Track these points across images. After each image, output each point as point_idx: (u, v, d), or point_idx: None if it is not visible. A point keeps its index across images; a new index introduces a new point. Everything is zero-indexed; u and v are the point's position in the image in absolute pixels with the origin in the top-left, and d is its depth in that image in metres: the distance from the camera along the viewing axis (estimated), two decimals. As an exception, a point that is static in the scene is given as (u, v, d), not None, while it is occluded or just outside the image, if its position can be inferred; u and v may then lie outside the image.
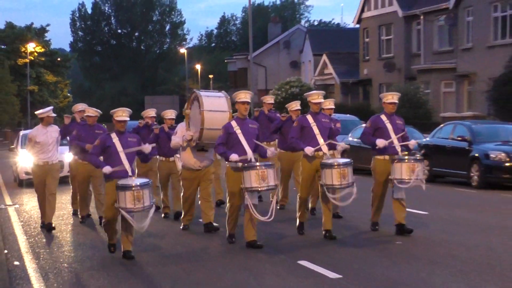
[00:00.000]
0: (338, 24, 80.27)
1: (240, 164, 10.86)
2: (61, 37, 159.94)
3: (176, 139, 12.99)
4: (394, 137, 11.86)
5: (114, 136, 10.32)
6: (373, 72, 48.37)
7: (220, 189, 16.03)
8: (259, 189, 10.94)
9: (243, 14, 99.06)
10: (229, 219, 11.60)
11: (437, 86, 41.18)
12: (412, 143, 12.30)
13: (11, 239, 13.78)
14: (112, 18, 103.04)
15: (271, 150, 11.77)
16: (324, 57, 55.15)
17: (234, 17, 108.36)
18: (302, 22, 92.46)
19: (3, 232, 14.53)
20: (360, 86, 48.19)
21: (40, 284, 9.83)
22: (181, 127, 13.26)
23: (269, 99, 15.71)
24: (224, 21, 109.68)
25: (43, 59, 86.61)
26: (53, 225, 13.64)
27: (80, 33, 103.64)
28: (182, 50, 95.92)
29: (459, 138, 21.95)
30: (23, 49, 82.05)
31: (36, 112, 13.77)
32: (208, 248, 11.72)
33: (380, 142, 11.72)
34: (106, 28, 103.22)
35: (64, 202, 18.09)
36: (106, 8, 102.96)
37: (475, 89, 38.89)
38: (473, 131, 21.89)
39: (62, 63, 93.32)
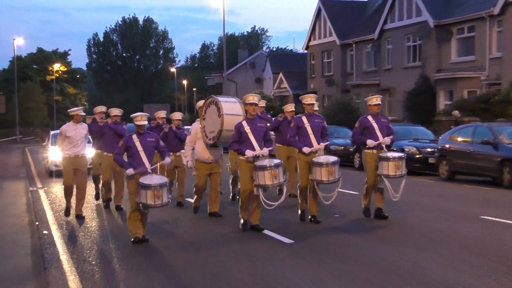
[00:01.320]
0: (291, 49, 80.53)
1: (252, 159, 10.19)
2: (79, 59, 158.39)
3: (188, 145, 12.48)
4: (380, 136, 11.17)
5: (135, 138, 9.67)
6: (317, 86, 48.22)
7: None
8: (271, 186, 10.41)
9: (219, 42, 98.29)
10: (242, 206, 10.64)
11: (365, 97, 40.57)
12: (386, 141, 11.38)
13: (41, 214, 13.67)
14: (119, 44, 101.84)
15: (265, 150, 10.42)
16: (281, 75, 55.35)
17: (212, 44, 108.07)
18: (264, 48, 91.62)
19: (34, 207, 14.34)
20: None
21: (63, 247, 9.88)
22: (194, 127, 12.43)
23: (261, 103, 14.27)
24: (204, 47, 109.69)
25: (65, 76, 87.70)
26: (83, 215, 12.54)
27: (94, 56, 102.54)
28: (172, 69, 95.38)
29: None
30: (50, 68, 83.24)
31: (68, 110, 12.98)
32: (221, 234, 10.65)
33: (371, 143, 11.12)
34: (114, 52, 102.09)
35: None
36: (114, 37, 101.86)
37: (394, 100, 39.29)
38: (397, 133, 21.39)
39: (80, 79, 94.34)
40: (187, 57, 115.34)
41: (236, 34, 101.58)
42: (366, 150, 11.46)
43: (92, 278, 8.06)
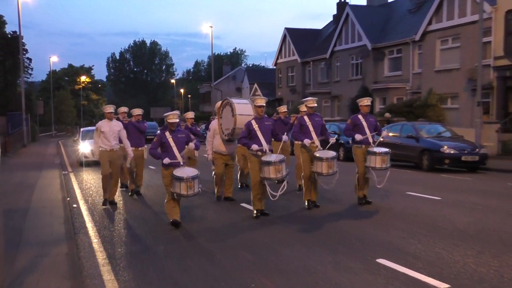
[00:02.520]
0: (264, 65, 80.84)
1: (259, 153, 9.23)
2: (101, 72, 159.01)
3: (209, 141, 11.70)
4: (368, 132, 10.30)
5: (167, 134, 8.78)
6: (283, 94, 48.29)
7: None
8: (276, 179, 9.31)
9: (208, 59, 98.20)
10: (254, 196, 9.49)
11: (320, 103, 40.97)
12: (383, 134, 10.83)
13: (71, 191, 13.59)
14: (131, 61, 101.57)
15: (285, 137, 9.95)
16: (255, 85, 55.01)
17: (202, 61, 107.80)
18: (242, 64, 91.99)
19: (66, 187, 14.21)
20: (276, 102, 48.54)
21: (89, 218, 10.00)
22: (213, 125, 11.69)
23: (283, 108, 13.57)
24: (197, 64, 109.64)
25: (90, 85, 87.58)
26: (115, 201, 11.48)
27: (112, 70, 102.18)
28: (172, 81, 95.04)
29: (332, 132, 21.33)
30: (78, 80, 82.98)
31: (103, 107, 12.03)
32: (242, 219, 9.48)
33: (357, 136, 10.27)
34: (127, 68, 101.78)
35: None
36: (127, 56, 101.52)
37: (341, 104, 39.15)
38: (340, 128, 21.42)
39: (101, 88, 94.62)
40: (184, 71, 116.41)
41: (221, 54, 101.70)
42: (355, 145, 10.57)
43: (112, 240, 8.18)
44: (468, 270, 6.22)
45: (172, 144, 8.76)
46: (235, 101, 10.77)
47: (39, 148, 35.45)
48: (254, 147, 9.13)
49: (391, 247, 7.36)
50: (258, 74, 62.21)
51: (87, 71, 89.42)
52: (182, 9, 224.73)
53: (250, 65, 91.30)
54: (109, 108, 11.31)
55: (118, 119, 12.92)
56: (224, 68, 73.44)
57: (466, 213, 9.74)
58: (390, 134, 18.64)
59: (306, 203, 10.39)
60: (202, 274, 6.33)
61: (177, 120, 8.94)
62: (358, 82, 36.67)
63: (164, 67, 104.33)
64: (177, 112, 9.07)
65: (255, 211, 9.56)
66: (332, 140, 10.23)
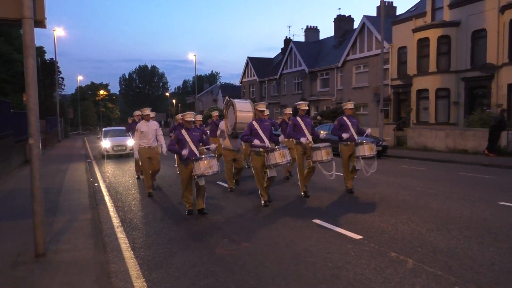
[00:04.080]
0: (233, 83, 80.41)
1: (261, 150, 7.83)
2: (115, 88, 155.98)
3: (218, 134, 10.67)
4: (352, 130, 8.99)
5: (183, 132, 7.45)
6: (247, 104, 48.29)
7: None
8: (282, 163, 7.68)
9: (193, 78, 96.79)
10: (260, 189, 8.06)
11: (272, 110, 40.88)
12: (368, 131, 9.09)
13: (93, 174, 13.21)
14: (137, 80, 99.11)
15: (282, 137, 8.32)
16: (227, 97, 54.35)
17: (189, 80, 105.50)
18: (218, 82, 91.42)
19: (90, 170, 13.87)
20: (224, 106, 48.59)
21: (107, 193, 9.78)
22: (222, 125, 10.44)
23: (288, 110, 11.46)
24: (185, 82, 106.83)
25: (107, 97, 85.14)
26: (151, 192, 9.42)
27: (123, 86, 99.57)
28: (167, 94, 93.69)
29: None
30: (98, 93, 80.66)
31: (141, 110, 10.04)
32: (255, 207, 7.70)
33: (345, 135, 8.90)
34: (134, 84, 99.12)
35: (130, 170, 13.84)
36: (134, 76, 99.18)
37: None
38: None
39: (115, 99, 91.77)
40: (175, 87, 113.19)
41: (202, 75, 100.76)
42: (342, 143, 9.12)
43: (123, 209, 8.02)
44: (374, 226, 6.32)
45: (189, 140, 7.43)
46: (236, 100, 9.41)
47: (70, 142, 34.70)
48: (256, 142, 7.78)
49: (323, 211, 7.43)
50: (229, 89, 61.51)
51: (105, 86, 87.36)
52: (174, 42, 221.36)
53: (223, 83, 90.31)
54: (147, 111, 9.69)
55: (134, 121, 12.03)
56: (204, 85, 72.57)
57: (372, 186, 9.80)
58: (321, 131, 18.78)
59: (303, 194, 8.80)
60: (193, 230, 6.27)
61: (193, 119, 7.66)
62: (299, 95, 36.64)
63: (161, 84, 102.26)
64: (192, 112, 7.82)
65: (263, 201, 8.01)
66: (322, 134, 9.07)
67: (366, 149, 8.87)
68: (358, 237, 5.75)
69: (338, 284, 4.22)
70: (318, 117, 26.86)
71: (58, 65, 39.24)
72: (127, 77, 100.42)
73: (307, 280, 4.33)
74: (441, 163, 14.80)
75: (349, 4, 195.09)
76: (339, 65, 31.06)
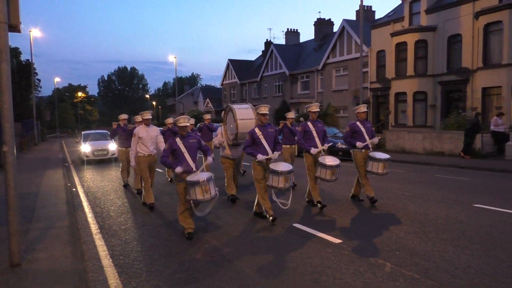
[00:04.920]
0: (214, 85, 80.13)
1: (265, 161, 6.83)
2: (93, 89, 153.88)
3: (217, 140, 9.15)
4: (367, 138, 8.00)
5: (178, 140, 6.25)
6: (228, 106, 48.00)
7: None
8: (283, 189, 6.78)
9: (173, 80, 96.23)
10: (264, 203, 6.96)
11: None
12: (375, 140, 8.08)
13: (71, 179, 12.85)
14: (116, 81, 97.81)
15: (276, 154, 6.89)
16: (208, 100, 54.39)
17: (169, 82, 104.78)
18: (198, 84, 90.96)
19: (67, 175, 13.52)
20: (223, 112, 48.39)
21: (85, 198, 9.55)
22: (219, 131, 9.09)
23: (291, 115, 10.43)
24: (165, 83, 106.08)
25: (85, 99, 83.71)
26: (154, 204, 8.29)
27: (102, 88, 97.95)
28: (147, 96, 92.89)
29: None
30: (76, 95, 79.26)
31: (141, 114, 8.67)
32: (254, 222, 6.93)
33: (359, 144, 7.92)
34: (113, 86, 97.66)
35: (110, 175, 13.82)
36: (113, 77, 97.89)
37: (269, 114, 39.22)
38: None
39: (94, 101, 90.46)
40: (155, 89, 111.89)
41: (183, 77, 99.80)
42: (356, 150, 8.16)
43: (102, 216, 7.88)
44: (353, 230, 6.39)
45: (184, 150, 6.22)
46: (235, 106, 8.37)
47: (47, 146, 33.91)
48: (260, 157, 6.77)
49: (303, 216, 7.46)
50: (210, 92, 61.35)
51: (83, 88, 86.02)
52: (154, 44, 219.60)
53: (204, 85, 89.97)
54: (148, 115, 8.45)
55: (119, 125, 11.18)
56: (185, 87, 71.86)
57: (350, 188, 9.53)
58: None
59: (307, 200, 8.23)
60: (171, 239, 6.22)
61: (188, 124, 6.40)
62: (280, 98, 36.83)
63: (141, 86, 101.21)
64: (187, 116, 6.53)
65: (270, 218, 6.89)
66: (325, 147, 7.79)
67: (380, 168, 7.95)
68: (338, 241, 5.80)
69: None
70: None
71: (34, 66, 38.51)
72: (106, 78, 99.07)
73: (288, 285, 4.34)
74: (418, 165, 15.05)
75: (329, 8, 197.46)
76: (319, 68, 31.36)
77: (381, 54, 25.47)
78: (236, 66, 46.79)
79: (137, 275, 4.75)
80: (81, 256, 5.36)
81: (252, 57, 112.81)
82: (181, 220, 6.37)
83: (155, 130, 8.53)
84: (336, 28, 33.99)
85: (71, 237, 6.14)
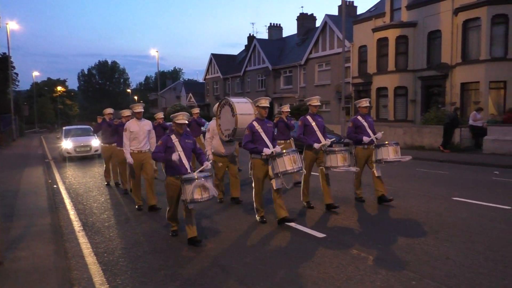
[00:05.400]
0: (196, 80, 79.49)
1: (268, 154, 6.22)
2: (73, 83, 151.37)
3: (208, 141, 8.06)
4: (370, 132, 7.55)
5: (174, 138, 5.73)
6: (210, 100, 47.15)
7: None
8: (293, 171, 6.14)
9: (155, 74, 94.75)
10: (257, 205, 6.66)
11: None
12: (378, 135, 7.55)
13: (51, 175, 12.75)
14: (96, 75, 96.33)
15: (278, 148, 6.30)
16: (190, 94, 53.91)
17: (151, 76, 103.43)
18: (181, 79, 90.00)
19: (48, 171, 13.42)
20: (205, 107, 48.46)
21: (66, 195, 9.40)
22: (212, 125, 8.01)
23: (286, 108, 9.84)
24: (147, 78, 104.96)
25: (65, 93, 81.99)
26: (157, 206, 7.72)
27: (82, 82, 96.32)
28: (128, 90, 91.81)
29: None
30: (55, 89, 77.47)
31: (131, 106, 7.97)
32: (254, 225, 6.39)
33: (366, 139, 7.43)
34: (94, 80, 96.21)
35: (96, 170, 13.69)
36: (94, 71, 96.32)
37: None
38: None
39: (74, 95, 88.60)
40: (137, 83, 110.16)
41: (165, 71, 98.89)
42: (358, 146, 7.69)
43: (84, 213, 7.80)
44: (337, 224, 6.48)
45: (179, 149, 5.69)
46: (234, 100, 7.66)
47: (25, 141, 33.30)
48: (267, 150, 6.19)
49: (287, 210, 7.49)
50: (192, 86, 60.94)
51: (62, 82, 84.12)
52: (135, 37, 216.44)
53: (186, 79, 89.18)
54: (139, 107, 7.77)
55: (104, 120, 10.63)
56: (167, 81, 71.42)
57: (334, 184, 9.67)
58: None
59: (305, 204, 7.65)
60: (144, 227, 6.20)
61: (186, 122, 5.80)
62: (263, 93, 36.81)
63: (122, 80, 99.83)
64: (185, 113, 5.87)
65: (258, 217, 6.70)
66: (328, 142, 7.19)
67: (391, 152, 7.38)
68: (322, 235, 5.88)
69: (303, 283, 4.30)
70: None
71: (11, 60, 37.54)
72: (86, 72, 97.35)
73: (273, 280, 4.39)
74: (399, 160, 15.29)
75: (311, 3, 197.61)
76: (302, 63, 31.49)
77: (363, 49, 25.71)
78: (219, 60, 46.56)
79: (122, 272, 4.74)
80: (65, 254, 5.31)
81: (235, 51, 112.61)
82: (169, 219, 6.12)
83: (147, 124, 7.88)
84: (318, 23, 34.15)
85: (53, 234, 6.06)
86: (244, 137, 6.43)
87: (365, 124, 7.65)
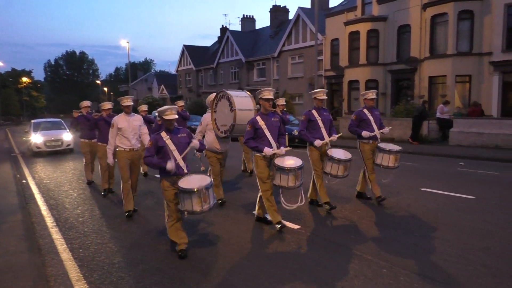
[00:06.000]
0: (168, 71, 78.21)
1: (269, 155, 5.66)
2: (39, 74, 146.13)
3: (198, 135, 7.39)
4: (375, 127, 7.08)
5: (165, 135, 5.04)
6: (183, 92, 46.86)
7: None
8: (293, 188, 5.69)
9: (126, 66, 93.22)
10: (269, 208, 5.83)
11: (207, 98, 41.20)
12: (386, 130, 7.13)
13: (20, 170, 12.43)
14: (64, 66, 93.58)
15: (283, 150, 5.73)
16: (162, 86, 53.21)
17: (121, 67, 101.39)
18: (152, 70, 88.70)
19: (16, 165, 13.15)
20: (178, 99, 47.99)
21: (37, 190, 9.26)
22: (206, 119, 7.34)
23: (281, 101, 9.41)
24: (117, 69, 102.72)
25: (30, 85, 79.16)
26: (131, 212, 6.87)
27: (49, 73, 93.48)
28: (98, 81, 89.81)
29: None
30: (20, 80, 74.57)
31: (120, 99, 6.83)
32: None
33: (365, 134, 7.03)
34: (61, 71, 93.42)
35: (66, 164, 13.40)
36: (61, 62, 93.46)
37: None
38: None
39: (40, 87, 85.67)
40: (107, 74, 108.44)
41: (136, 62, 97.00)
42: (362, 141, 7.26)
43: (57, 208, 7.65)
44: (311, 216, 6.59)
45: (172, 147, 5.03)
46: (233, 93, 6.98)
47: (-11, 134, 31.99)
48: (268, 151, 5.63)
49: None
50: (164, 78, 59.89)
51: (28, 73, 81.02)
52: (104, 27, 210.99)
53: (158, 71, 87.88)
54: (128, 100, 6.83)
55: (81, 114, 9.83)
56: (138, 73, 69.87)
57: (306, 177, 10.06)
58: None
59: (326, 206, 6.82)
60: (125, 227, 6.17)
61: (176, 117, 5.07)
62: (236, 85, 36.67)
63: (91, 71, 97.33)
64: (174, 106, 5.18)
65: (278, 225, 5.80)
66: (334, 137, 6.67)
67: (391, 160, 7.07)
68: (297, 227, 6.02)
69: (280, 274, 4.41)
70: (257, 107, 27.19)
71: (-27, 49, 36.01)
72: (53, 63, 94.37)
73: (250, 272, 4.47)
74: (370, 152, 15.66)
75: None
76: (275, 55, 31.57)
77: (335, 43, 26.03)
78: (192, 52, 46.06)
79: (99, 268, 4.72)
80: (38, 250, 5.24)
81: (208, 43, 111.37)
82: (171, 235, 5.12)
83: (137, 119, 7.00)
84: (291, 16, 34.28)
85: (25, 231, 5.96)
86: (246, 133, 5.81)
87: (371, 118, 7.14)
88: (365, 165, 7.34)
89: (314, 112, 6.75)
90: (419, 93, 21.10)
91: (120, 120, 6.84)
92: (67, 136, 16.62)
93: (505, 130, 14.86)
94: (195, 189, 4.65)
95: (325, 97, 6.76)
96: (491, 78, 18.36)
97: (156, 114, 6.40)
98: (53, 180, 10.64)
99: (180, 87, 48.70)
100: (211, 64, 41.43)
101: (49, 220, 6.77)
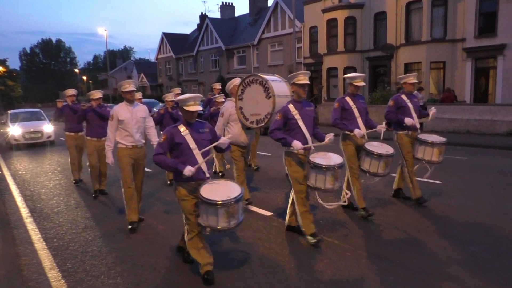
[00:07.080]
0: (148, 59, 77.18)
1: (302, 151, 4.76)
2: (15, 63, 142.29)
3: (220, 128, 6.19)
4: (414, 115, 6.11)
5: (183, 130, 3.93)
6: (163, 81, 46.42)
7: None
8: (331, 190, 4.70)
9: (104, 54, 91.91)
10: (302, 213, 4.89)
11: (190, 87, 40.37)
12: (432, 113, 6.01)
13: (-3, 163, 12.25)
14: (40, 55, 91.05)
15: (331, 136, 4.75)
16: (142, 74, 52.55)
17: (100, 55, 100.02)
18: (131, 58, 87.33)
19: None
20: (158, 87, 47.44)
21: (12, 182, 9.31)
22: (228, 109, 6.11)
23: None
24: (95, 57, 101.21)
25: (6, 74, 77.09)
26: (136, 223, 5.70)
27: (24, 61, 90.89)
28: (76, 70, 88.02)
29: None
30: (-6, 70, 72.70)
31: (120, 85, 5.53)
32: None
33: (408, 121, 6.01)
34: (37, 60, 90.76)
35: (43, 155, 13.65)
36: (37, 50, 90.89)
37: (205, 89, 37.65)
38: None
39: (16, 76, 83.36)
40: (85, 63, 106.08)
41: (115, 50, 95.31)
42: (401, 132, 6.28)
43: (32, 199, 7.67)
44: (283, 203, 6.74)
45: (193, 145, 3.94)
46: (268, 78, 5.60)
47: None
48: (297, 144, 4.63)
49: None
50: (144, 66, 59.23)
51: (3, 62, 78.69)
52: (82, 14, 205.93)
53: (138, 59, 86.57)
54: (130, 86, 5.52)
55: (66, 104, 8.63)
56: (117, 61, 68.52)
57: (281, 165, 10.17)
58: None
59: (362, 212, 5.87)
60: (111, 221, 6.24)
61: (200, 108, 3.92)
62: (217, 73, 36.56)
63: (68, 60, 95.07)
64: (199, 95, 3.96)
65: (311, 238, 4.89)
66: (382, 128, 5.71)
67: (435, 154, 6.12)
68: (269, 214, 6.19)
69: (249, 259, 4.58)
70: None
71: None
72: (28, 51, 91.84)
73: (221, 258, 4.62)
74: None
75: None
76: (255, 43, 31.52)
77: (313, 30, 26.13)
78: (171, 39, 45.50)
79: (73, 257, 4.81)
80: (12, 240, 5.29)
81: (187, 30, 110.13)
82: (193, 253, 4.05)
83: (142, 110, 5.75)
84: (270, 3, 34.15)
85: (-1, 222, 5.99)
86: (273, 123, 4.81)
87: (410, 105, 6.18)
88: (405, 160, 6.37)
89: (348, 99, 5.77)
90: (396, 79, 21.45)
91: (121, 110, 5.56)
92: (48, 127, 16.01)
93: (476, 116, 15.31)
94: (223, 203, 3.63)
95: (363, 84, 5.79)
96: (464, 65, 18.80)
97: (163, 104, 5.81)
98: (29, 171, 10.58)
99: (160, 75, 48.18)
100: (191, 52, 41.05)
101: (24, 211, 6.80)
